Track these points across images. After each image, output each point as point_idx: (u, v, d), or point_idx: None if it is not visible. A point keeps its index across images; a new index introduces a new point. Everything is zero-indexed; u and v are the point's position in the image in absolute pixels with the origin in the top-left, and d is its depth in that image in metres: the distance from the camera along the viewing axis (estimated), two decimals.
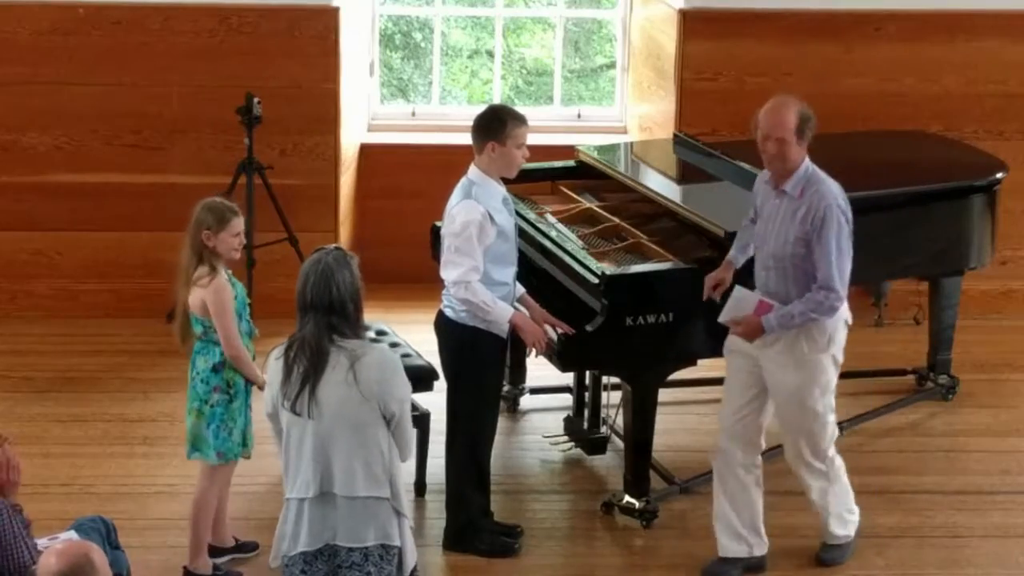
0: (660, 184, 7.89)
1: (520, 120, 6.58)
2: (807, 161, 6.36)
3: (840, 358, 6.51)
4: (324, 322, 5.24)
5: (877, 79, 9.15)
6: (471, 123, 6.62)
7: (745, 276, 6.60)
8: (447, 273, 6.52)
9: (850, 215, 6.33)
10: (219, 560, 6.64)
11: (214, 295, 6.25)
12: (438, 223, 7.05)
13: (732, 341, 6.55)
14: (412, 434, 5.52)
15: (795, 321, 6.31)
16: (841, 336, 6.47)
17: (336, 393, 5.24)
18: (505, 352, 6.83)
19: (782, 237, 6.36)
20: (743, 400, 6.56)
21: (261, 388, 6.44)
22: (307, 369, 5.24)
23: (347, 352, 5.24)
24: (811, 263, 6.30)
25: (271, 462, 6.83)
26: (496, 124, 6.55)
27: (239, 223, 6.33)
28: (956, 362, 8.42)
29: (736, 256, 6.72)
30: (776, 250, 6.38)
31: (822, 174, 6.36)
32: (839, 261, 6.27)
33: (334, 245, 5.41)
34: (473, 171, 6.61)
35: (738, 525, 6.61)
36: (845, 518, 6.78)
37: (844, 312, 6.42)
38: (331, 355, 5.23)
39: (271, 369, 5.35)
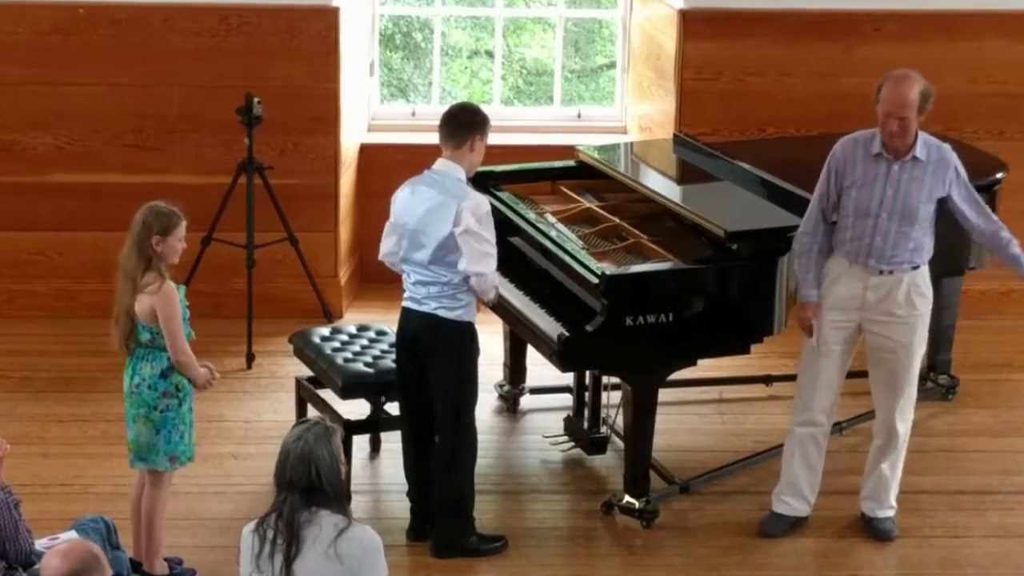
0: (660, 184, 7.89)
1: None
2: None
3: None
4: (303, 501, 5.01)
5: (877, 79, 9.12)
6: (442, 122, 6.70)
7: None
8: (485, 265, 6.51)
9: None
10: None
11: (164, 301, 6.23)
12: None
13: (826, 335, 6.75)
14: None
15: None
16: None
17: (315, 566, 4.99)
18: None
19: (914, 198, 6.62)
20: (840, 381, 6.91)
21: (201, 387, 6.39)
22: (286, 548, 4.98)
23: (332, 524, 5.01)
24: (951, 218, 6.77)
25: (272, 462, 6.82)
26: (479, 119, 6.67)
27: (184, 227, 6.34)
28: (956, 362, 8.41)
29: (811, 292, 6.77)
30: (908, 212, 6.62)
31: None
32: None
33: (316, 418, 5.20)
34: (449, 166, 6.65)
35: (806, 489, 6.99)
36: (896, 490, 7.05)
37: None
38: (313, 527, 4.99)
39: (244, 541, 5.09)
